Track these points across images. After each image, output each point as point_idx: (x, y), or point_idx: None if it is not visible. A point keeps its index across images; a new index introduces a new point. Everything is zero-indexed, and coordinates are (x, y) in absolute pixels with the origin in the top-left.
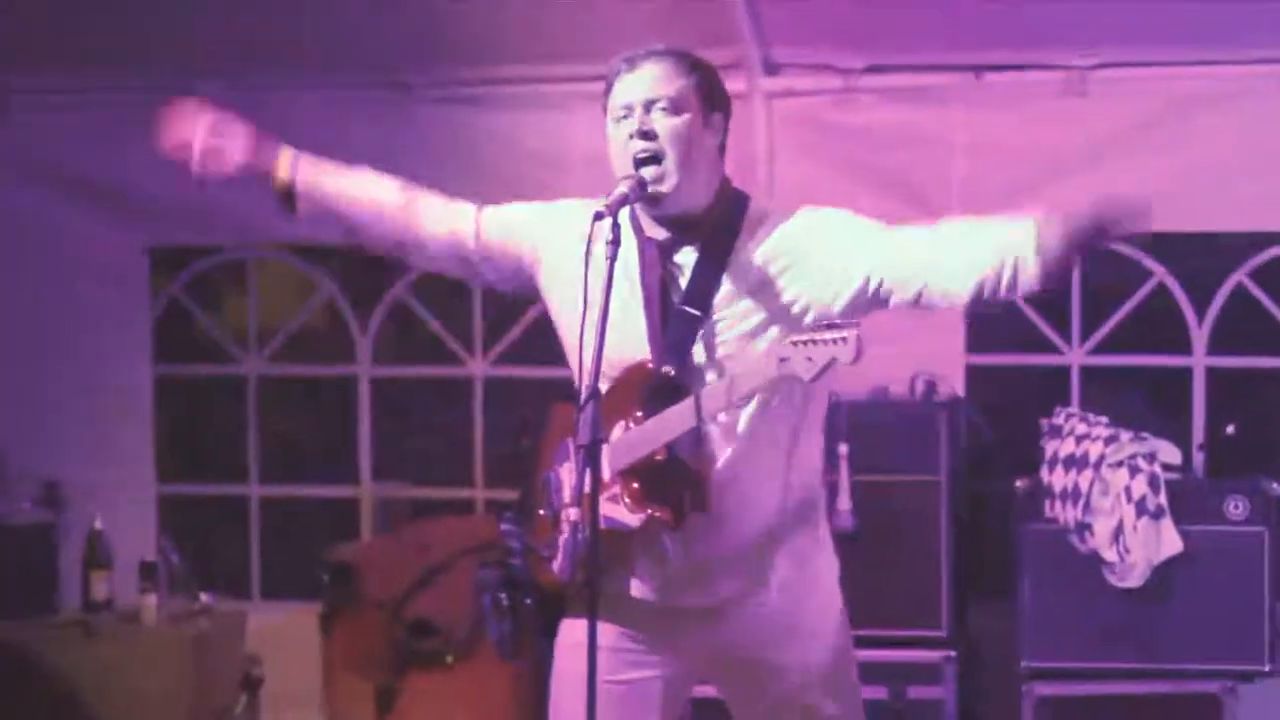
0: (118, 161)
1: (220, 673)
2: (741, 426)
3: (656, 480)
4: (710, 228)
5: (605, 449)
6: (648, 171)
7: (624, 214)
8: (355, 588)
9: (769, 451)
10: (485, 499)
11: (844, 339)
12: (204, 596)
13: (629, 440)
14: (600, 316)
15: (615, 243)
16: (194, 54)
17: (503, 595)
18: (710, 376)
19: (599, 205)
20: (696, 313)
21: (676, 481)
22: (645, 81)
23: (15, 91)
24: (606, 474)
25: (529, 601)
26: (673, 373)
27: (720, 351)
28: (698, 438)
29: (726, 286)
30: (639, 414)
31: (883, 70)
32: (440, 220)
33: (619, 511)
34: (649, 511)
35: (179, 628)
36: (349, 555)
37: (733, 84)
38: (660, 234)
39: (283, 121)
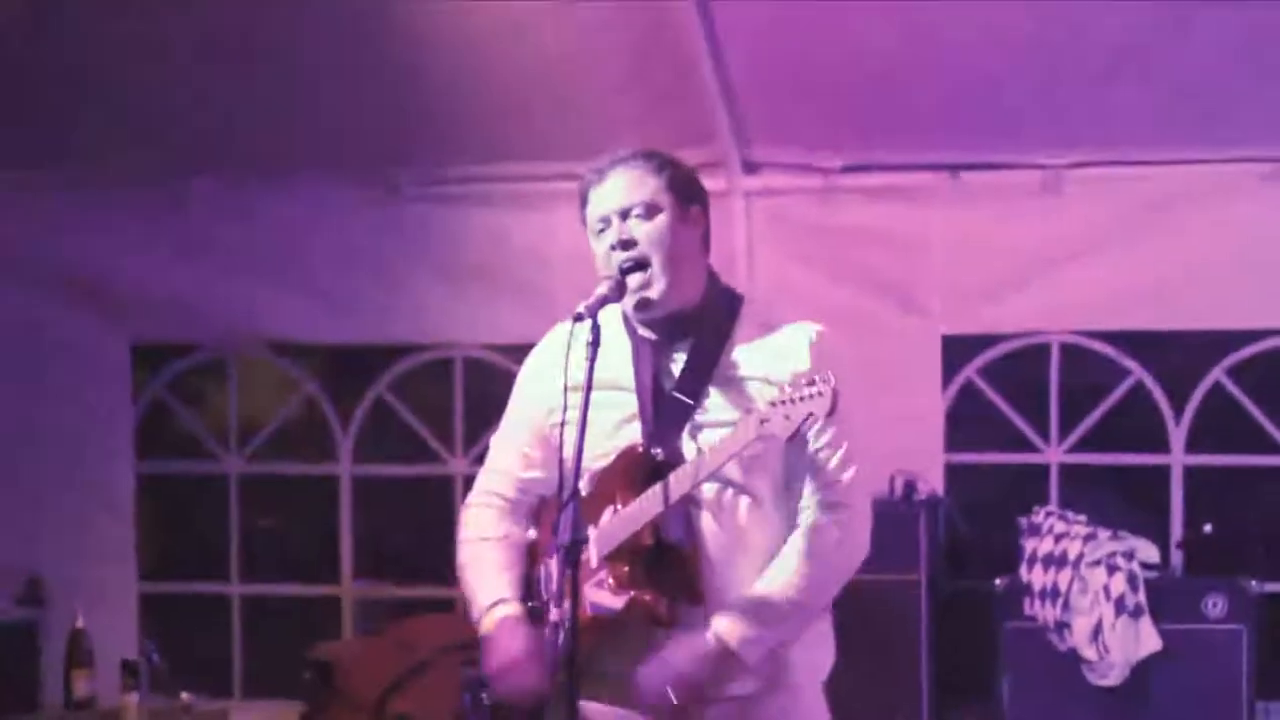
0: (104, 256)
1: None
2: (736, 516)
3: (643, 565)
4: (702, 325)
5: (593, 533)
6: (634, 279)
7: (615, 314)
8: (337, 686)
9: (767, 544)
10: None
11: (819, 393)
12: (185, 695)
13: (613, 524)
14: (580, 416)
15: (595, 344)
16: (184, 151)
17: (484, 694)
18: (693, 455)
19: (579, 308)
20: (689, 401)
21: (665, 568)
22: (618, 190)
23: (2, 183)
24: (594, 560)
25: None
26: (660, 455)
27: (707, 439)
28: (688, 525)
29: (717, 379)
30: (626, 497)
31: (860, 170)
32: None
33: (603, 596)
34: (632, 594)
35: None
36: (330, 654)
37: (712, 182)
38: (652, 335)
39: (273, 220)
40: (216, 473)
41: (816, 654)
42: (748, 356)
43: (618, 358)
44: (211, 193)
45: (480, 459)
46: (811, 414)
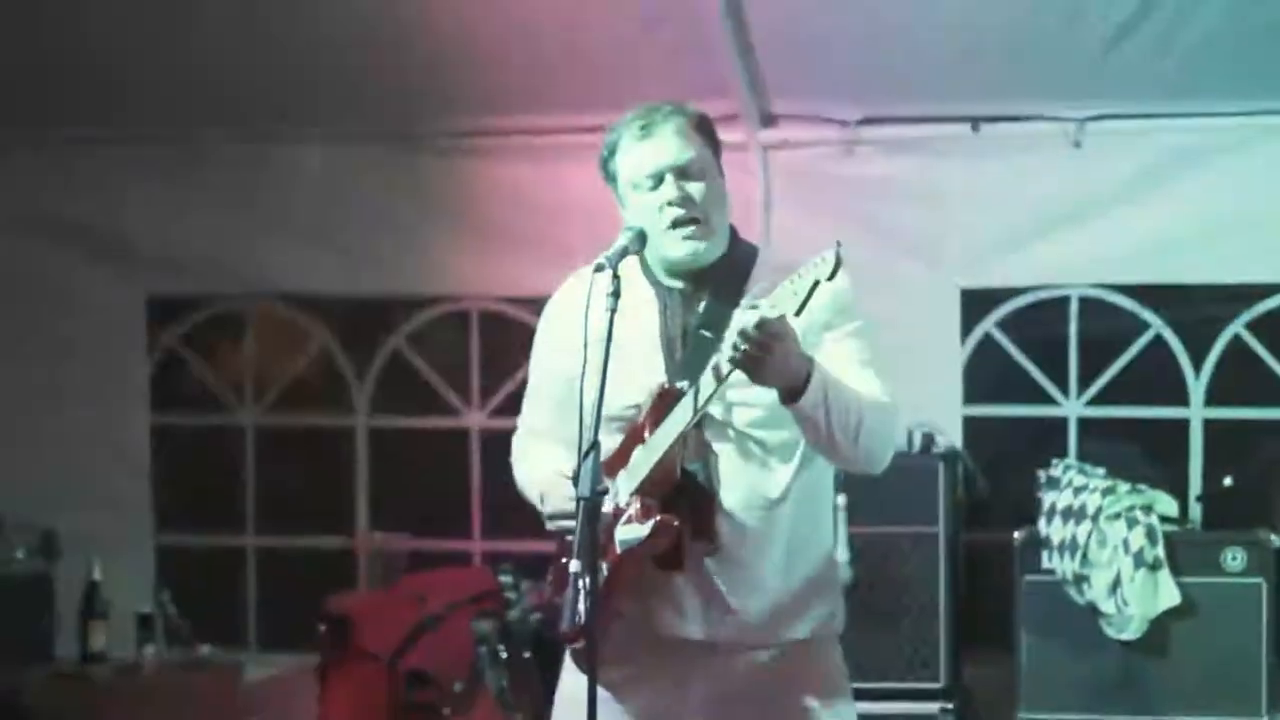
0: (117, 210)
1: None
2: (754, 463)
3: (670, 497)
4: (723, 275)
5: (622, 473)
6: (685, 231)
7: (633, 265)
8: (351, 639)
9: (782, 494)
10: (482, 550)
11: (823, 259)
12: (201, 647)
13: (641, 456)
14: (602, 367)
15: (615, 294)
16: (201, 104)
17: (500, 647)
18: (708, 370)
19: (600, 259)
20: (710, 335)
21: (688, 504)
22: (669, 148)
23: (17, 139)
24: (623, 499)
25: (527, 655)
26: (686, 387)
27: (728, 378)
28: (708, 468)
29: (735, 319)
30: (651, 431)
31: (879, 122)
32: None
33: (630, 529)
34: (659, 517)
35: (176, 679)
36: (345, 606)
37: (729, 135)
38: (678, 284)
39: (289, 173)
40: (232, 425)
41: (829, 607)
42: (758, 300)
43: (640, 307)
44: (227, 146)
45: (496, 412)
46: (817, 280)
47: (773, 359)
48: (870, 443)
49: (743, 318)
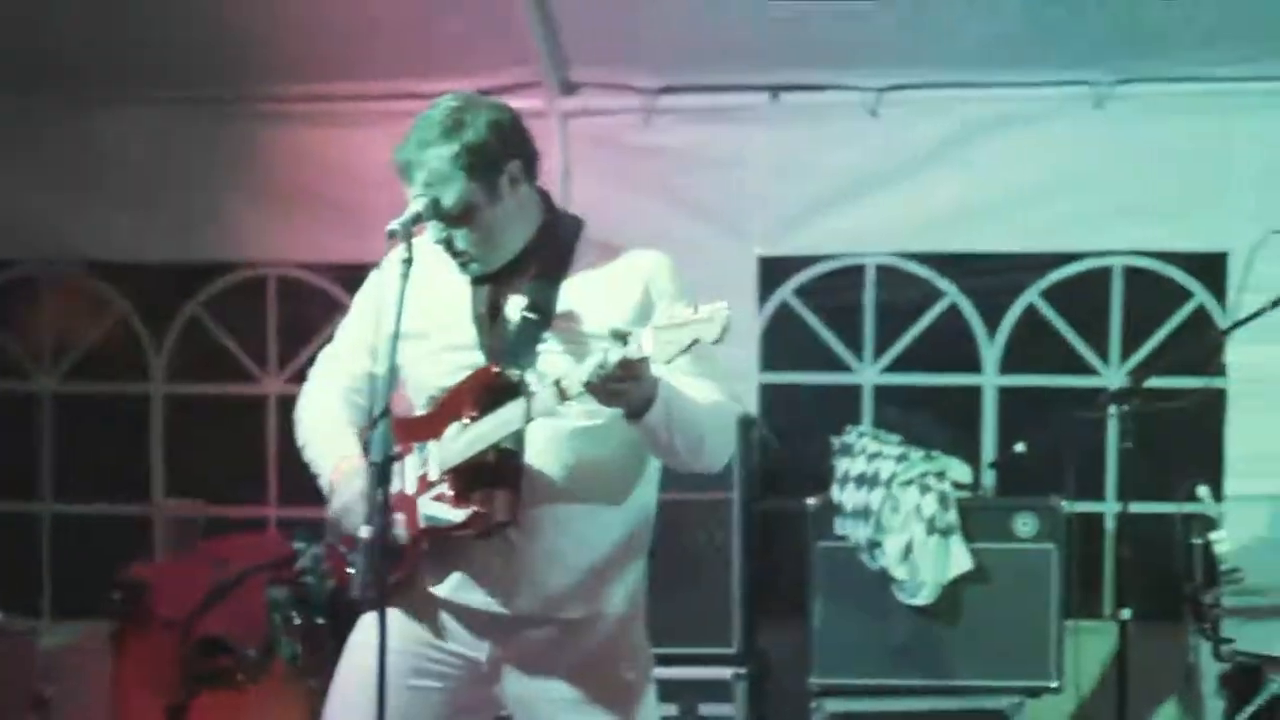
0: None
1: (10, 693)
2: (585, 443)
3: (483, 480)
4: (545, 253)
5: (435, 446)
6: (459, 264)
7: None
8: (146, 606)
9: (599, 470)
10: (279, 516)
11: (711, 319)
12: None
13: (462, 440)
14: (392, 336)
15: (408, 261)
16: (16, 66)
17: (294, 613)
18: (546, 380)
19: (391, 225)
20: (535, 317)
21: (499, 484)
22: (426, 194)
23: None
24: (435, 473)
25: (321, 620)
26: (514, 375)
27: (556, 357)
28: (520, 444)
29: (562, 300)
30: (474, 414)
31: (679, 91)
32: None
33: (441, 509)
34: (474, 508)
35: None
36: (141, 573)
37: (529, 103)
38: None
39: (89, 137)
40: (29, 391)
41: (632, 581)
42: (589, 281)
43: (452, 282)
44: (26, 109)
45: (294, 378)
46: (698, 338)
47: (625, 394)
48: (711, 452)
49: (607, 351)
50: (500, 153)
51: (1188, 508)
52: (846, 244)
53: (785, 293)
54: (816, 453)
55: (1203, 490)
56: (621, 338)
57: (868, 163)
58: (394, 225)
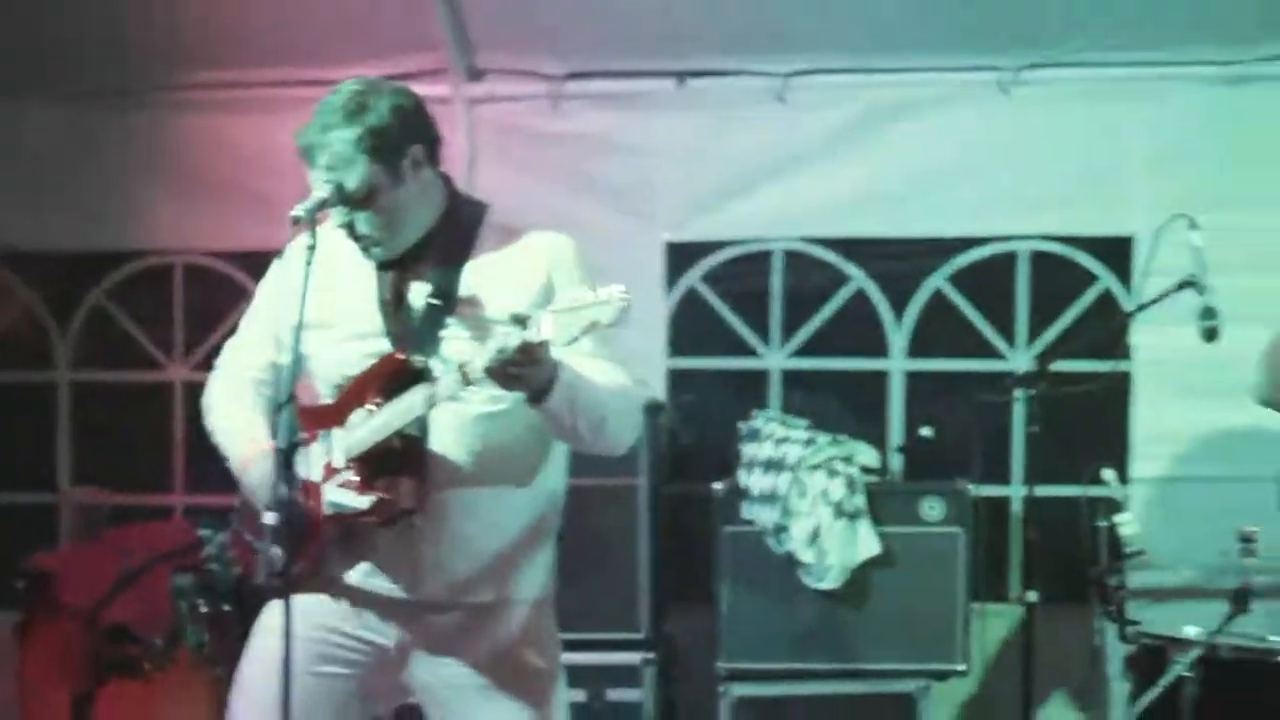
0: None
1: None
2: (490, 428)
3: (390, 466)
4: (447, 239)
5: (340, 433)
6: (360, 246)
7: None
8: (52, 595)
9: (505, 452)
10: (186, 504)
11: (608, 300)
12: None
13: (367, 427)
14: (296, 323)
15: (311, 248)
16: None
17: (200, 601)
18: (450, 366)
19: (295, 211)
20: (439, 303)
21: (406, 465)
22: (328, 179)
23: None
24: (340, 460)
25: (227, 608)
26: (418, 362)
27: (460, 342)
28: (424, 428)
29: (465, 285)
30: (379, 400)
31: (586, 76)
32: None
33: (347, 496)
34: (379, 495)
35: None
36: (46, 562)
37: (436, 89)
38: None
39: (7, 126)
40: None
41: (540, 567)
42: (492, 265)
43: (356, 269)
44: None
45: (200, 365)
46: (596, 321)
47: (525, 378)
48: (614, 434)
49: (506, 335)
50: (403, 136)
51: (1093, 491)
52: (754, 229)
53: (693, 278)
54: (724, 438)
55: (1108, 473)
56: (520, 322)
57: (775, 148)
58: (298, 211)
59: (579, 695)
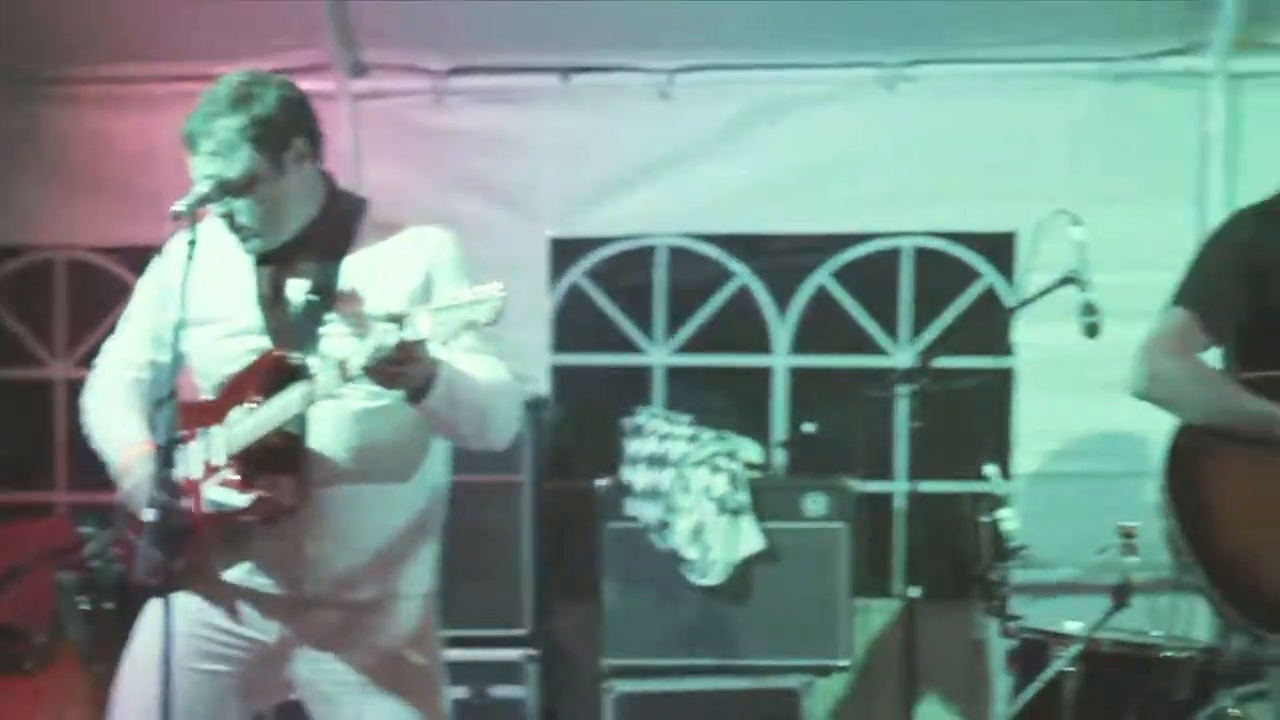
0: None
1: None
2: (370, 424)
3: (270, 464)
4: (325, 234)
5: (220, 431)
6: (240, 237)
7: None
8: None
9: (387, 446)
10: (68, 502)
11: (486, 301)
12: None
13: (247, 424)
14: (176, 320)
15: (192, 243)
16: None
17: (82, 599)
18: (329, 362)
19: (176, 206)
20: (317, 299)
21: (289, 466)
22: (208, 167)
23: None
24: (220, 458)
25: (109, 605)
26: (297, 359)
27: (340, 339)
28: (303, 424)
29: (344, 279)
30: (258, 398)
31: (470, 72)
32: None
33: (227, 494)
34: (259, 493)
35: None
36: None
37: (320, 84)
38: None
39: None
40: None
41: (425, 566)
42: (371, 261)
43: (235, 264)
44: None
45: (82, 362)
46: (474, 320)
47: (404, 377)
48: (495, 429)
49: (384, 334)
50: (287, 127)
51: (976, 486)
52: (637, 225)
53: (576, 274)
54: (608, 434)
55: (990, 469)
56: (398, 320)
57: (658, 144)
58: (179, 206)
59: (461, 692)
